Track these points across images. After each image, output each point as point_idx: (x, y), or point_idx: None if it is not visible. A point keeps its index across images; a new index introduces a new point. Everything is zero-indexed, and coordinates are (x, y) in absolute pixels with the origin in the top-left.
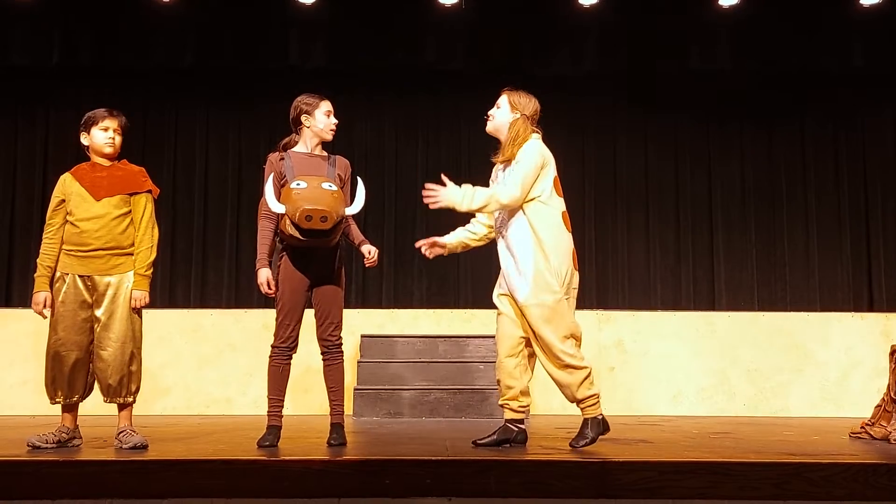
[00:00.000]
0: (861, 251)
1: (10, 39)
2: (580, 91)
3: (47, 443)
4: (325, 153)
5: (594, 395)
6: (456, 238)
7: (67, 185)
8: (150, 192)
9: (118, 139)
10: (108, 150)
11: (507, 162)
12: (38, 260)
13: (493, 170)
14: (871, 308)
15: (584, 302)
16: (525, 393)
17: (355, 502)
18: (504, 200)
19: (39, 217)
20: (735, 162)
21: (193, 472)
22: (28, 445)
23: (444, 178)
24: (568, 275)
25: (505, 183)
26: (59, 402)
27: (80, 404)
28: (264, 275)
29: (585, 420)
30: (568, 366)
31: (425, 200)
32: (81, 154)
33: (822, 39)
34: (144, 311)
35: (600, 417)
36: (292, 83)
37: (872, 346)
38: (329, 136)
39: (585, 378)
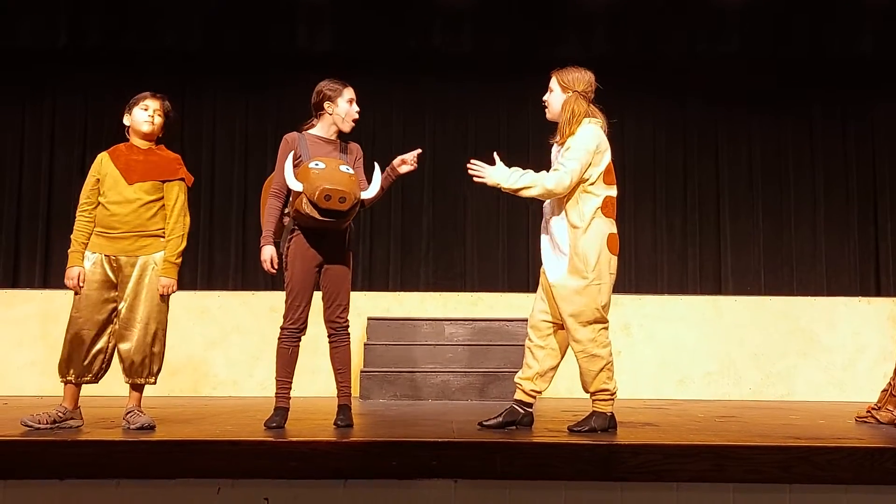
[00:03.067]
0: (868, 236)
1: (18, 22)
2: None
3: (41, 423)
4: (338, 139)
5: (608, 390)
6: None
7: (104, 166)
8: (183, 179)
9: (158, 120)
10: (147, 128)
11: (564, 142)
12: (72, 236)
13: (552, 150)
14: (878, 293)
15: None
16: (542, 377)
17: (361, 484)
18: (550, 186)
19: (46, 199)
20: (742, 146)
21: (200, 454)
22: (22, 425)
23: (495, 156)
24: (601, 261)
25: (556, 167)
26: (69, 381)
27: (88, 386)
28: (268, 251)
29: (594, 411)
30: (586, 351)
31: (470, 173)
32: (89, 136)
33: (831, 25)
34: None
35: (609, 413)
36: (299, 67)
37: (879, 331)
38: (348, 128)
39: (603, 368)
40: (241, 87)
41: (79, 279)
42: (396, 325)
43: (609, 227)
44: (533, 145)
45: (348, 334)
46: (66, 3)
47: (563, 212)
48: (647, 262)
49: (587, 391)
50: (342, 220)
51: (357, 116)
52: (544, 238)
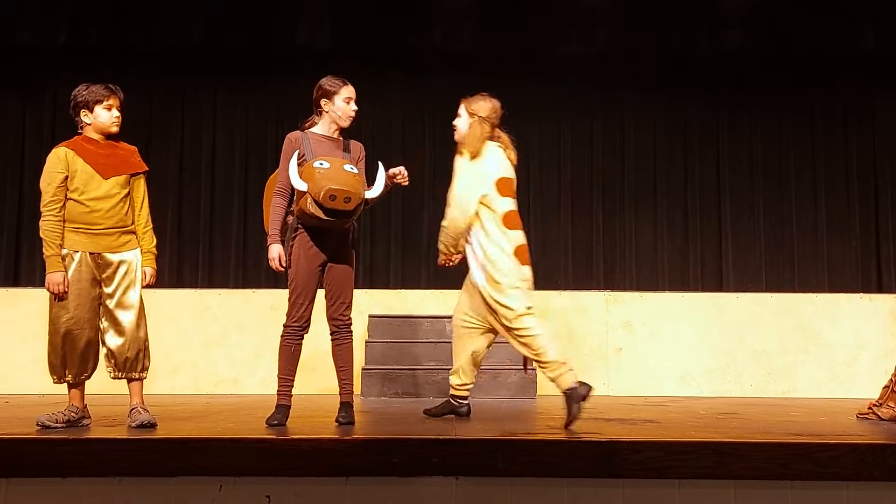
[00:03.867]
0: (870, 232)
1: (18, 18)
2: (588, 73)
3: (57, 422)
4: (340, 137)
5: (556, 361)
6: None
7: (71, 161)
8: (147, 171)
9: (120, 117)
10: (115, 129)
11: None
12: (47, 238)
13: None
14: (879, 289)
15: (592, 283)
16: (462, 373)
17: (363, 481)
18: (450, 229)
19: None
20: (743, 143)
21: (202, 451)
22: (38, 425)
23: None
24: (511, 270)
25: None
26: (67, 382)
27: (87, 382)
28: (276, 250)
29: (563, 392)
30: (520, 340)
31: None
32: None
33: (832, 20)
34: (153, 291)
35: (575, 385)
36: (300, 64)
37: (880, 328)
38: (345, 124)
39: (540, 345)
40: (242, 85)
41: (65, 283)
42: (397, 322)
43: (513, 238)
44: (533, 142)
45: (351, 332)
46: (66, 1)
47: (476, 225)
48: (649, 260)
49: (543, 371)
50: (346, 220)
51: (353, 115)
52: (467, 246)
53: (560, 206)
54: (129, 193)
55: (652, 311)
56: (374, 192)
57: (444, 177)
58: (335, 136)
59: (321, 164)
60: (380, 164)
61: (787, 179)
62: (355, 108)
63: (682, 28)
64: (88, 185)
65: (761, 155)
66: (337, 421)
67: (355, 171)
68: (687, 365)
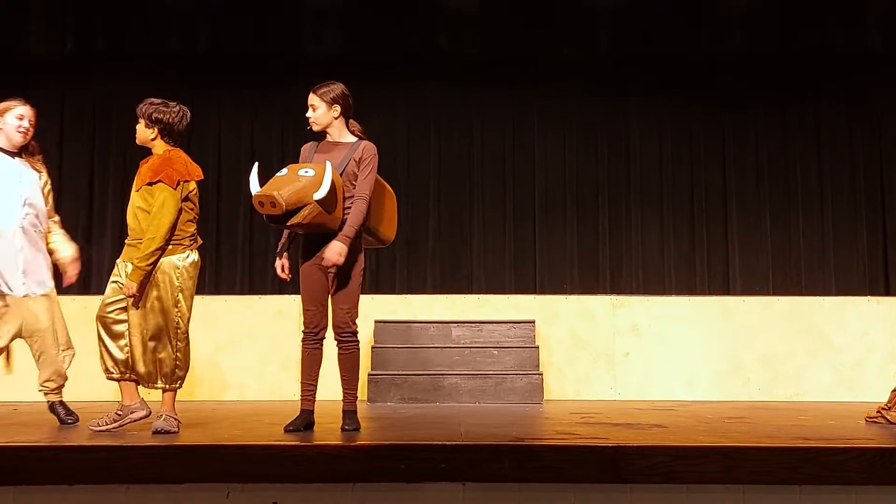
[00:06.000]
0: (877, 235)
1: (25, 27)
2: (593, 78)
3: (100, 426)
4: (355, 139)
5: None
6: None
7: None
8: (160, 181)
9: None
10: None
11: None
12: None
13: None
14: (887, 292)
15: (598, 287)
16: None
17: (370, 487)
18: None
19: (56, 203)
20: (749, 146)
21: (209, 458)
22: (90, 429)
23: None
24: None
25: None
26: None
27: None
28: (276, 263)
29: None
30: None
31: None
32: (99, 143)
33: (836, 21)
34: None
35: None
36: (306, 70)
37: (889, 331)
38: (314, 128)
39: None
40: (248, 90)
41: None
42: (403, 327)
43: None
44: (538, 147)
45: (355, 340)
46: (72, 6)
47: None
48: (655, 265)
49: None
50: (287, 224)
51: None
52: None
53: (566, 211)
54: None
55: (658, 314)
56: (320, 193)
57: (449, 182)
58: (343, 140)
59: (280, 172)
60: (327, 163)
61: (793, 182)
62: (309, 114)
63: (686, 33)
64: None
65: (767, 158)
66: (342, 429)
67: (309, 174)
68: (694, 369)
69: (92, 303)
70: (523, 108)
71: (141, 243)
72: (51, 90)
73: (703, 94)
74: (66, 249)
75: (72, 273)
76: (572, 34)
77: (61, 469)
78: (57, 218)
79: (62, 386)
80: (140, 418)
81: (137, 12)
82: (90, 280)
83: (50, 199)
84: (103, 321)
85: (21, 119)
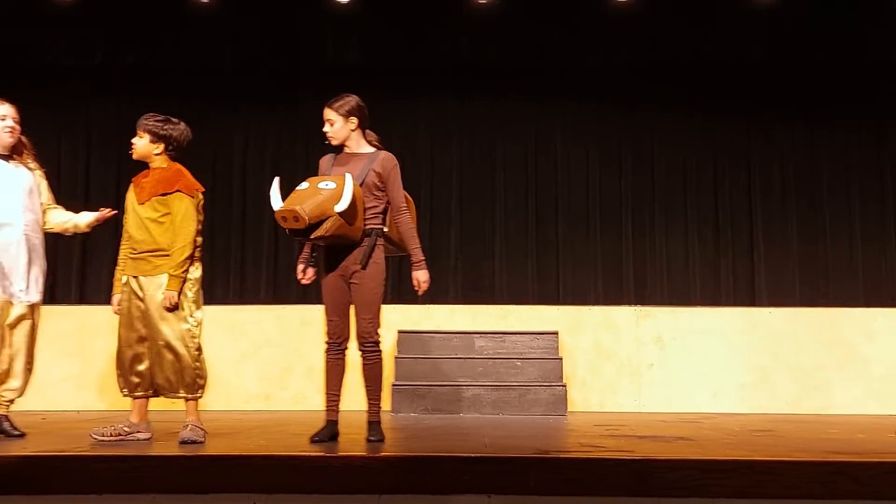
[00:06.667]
0: None
1: (55, 40)
2: (616, 87)
3: (103, 436)
4: (372, 149)
5: None
6: None
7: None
8: (178, 191)
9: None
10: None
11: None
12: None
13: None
14: None
15: (622, 297)
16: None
17: (395, 499)
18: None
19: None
20: (775, 156)
21: (235, 469)
22: (91, 436)
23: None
24: None
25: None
26: (126, 395)
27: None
28: (298, 268)
29: None
30: None
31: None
32: (122, 154)
33: (863, 30)
34: None
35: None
36: (328, 81)
37: None
38: (332, 142)
39: None
40: (272, 101)
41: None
42: (426, 338)
43: None
44: (560, 154)
45: (377, 351)
46: (102, 20)
47: None
48: (680, 275)
49: None
50: (310, 238)
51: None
52: None
53: (589, 221)
54: (167, 215)
55: (683, 325)
56: (341, 205)
57: (471, 191)
58: (361, 150)
59: (301, 185)
60: (347, 175)
61: (819, 191)
62: (326, 128)
63: (710, 43)
64: (129, 212)
65: (793, 167)
66: (367, 440)
67: (330, 186)
68: (719, 381)
69: (90, 314)
70: (546, 118)
71: (154, 255)
72: (79, 102)
73: (728, 102)
74: (84, 216)
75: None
76: (595, 44)
77: (90, 478)
78: (55, 205)
79: (13, 401)
80: (144, 440)
81: (165, 26)
82: (88, 291)
83: (47, 191)
84: (127, 340)
85: (4, 119)
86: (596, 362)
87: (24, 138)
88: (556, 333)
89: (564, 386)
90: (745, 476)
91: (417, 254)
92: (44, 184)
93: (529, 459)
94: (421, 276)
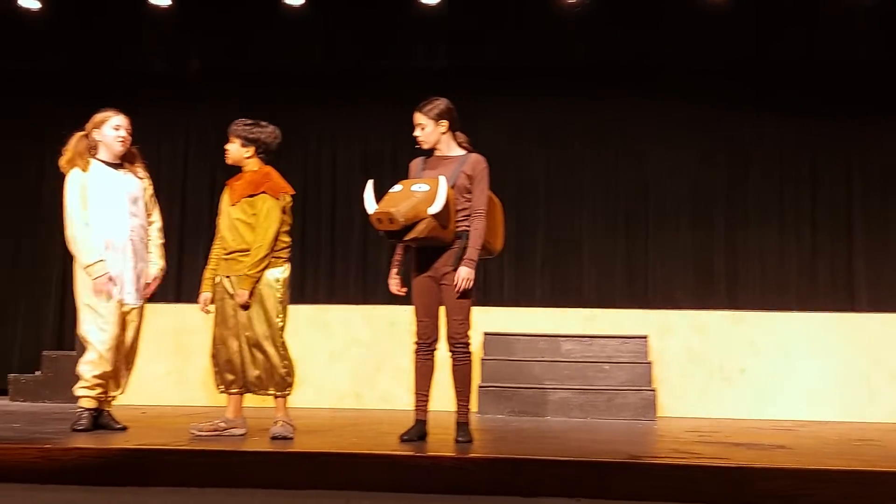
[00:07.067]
0: None
1: (153, 47)
2: (709, 82)
3: (201, 431)
4: (463, 151)
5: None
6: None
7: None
8: (264, 192)
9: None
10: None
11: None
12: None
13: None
14: None
15: (714, 300)
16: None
17: (484, 500)
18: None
19: (179, 216)
20: (874, 150)
21: (330, 466)
22: (190, 431)
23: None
24: None
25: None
26: (221, 392)
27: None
28: (391, 280)
29: None
30: None
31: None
32: (218, 157)
33: None
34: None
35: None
36: (415, 81)
37: None
38: (423, 146)
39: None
40: (362, 103)
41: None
42: (512, 340)
43: None
44: (650, 152)
45: (467, 353)
46: (195, 26)
47: None
48: (774, 276)
49: None
50: (404, 240)
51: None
52: None
53: (679, 220)
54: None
55: (777, 330)
56: (435, 207)
57: (559, 189)
58: (452, 153)
59: (394, 188)
60: (441, 178)
61: None
62: (417, 133)
63: (809, 36)
64: (223, 213)
65: (895, 162)
66: (456, 441)
67: (424, 189)
68: (815, 387)
69: (188, 312)
70: (638, 115)
71: (242, 255)
72: (177, 106)
73: (825, 96)
74: (155, 264)
75: (147, 290)
76: (687, 42)
77: (190, 472)
78: (159, 223)
79: (115, 397)
80: (239, 436)
81: (256, 30)
82: (185, 290)
83: (152, 203)
84: (222, 337)
85: (118, 129)
86: (686, 367)
87: (134, 148)
88: (645, 337)
89: (654, 390)
90: (848, 486)
91: (472, 253)
92: (149, 193)
93: (620, 464)
94: (463, 273)
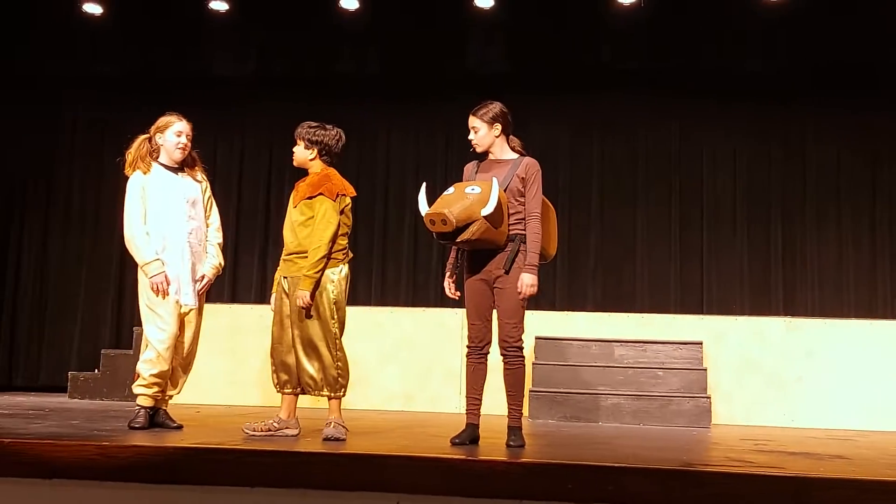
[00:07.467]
0: None
1: (211, 52)
2: (766, 89)
3: (254, 431)
4: (516, 155)
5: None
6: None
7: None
8: (321, 194)
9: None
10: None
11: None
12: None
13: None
14: None
15: (770, 307)
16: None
17: None
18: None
19: (234, 221)
20: None
21: (380, 468)
22: (243, 431)
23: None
24: None
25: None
26: (278, 391)
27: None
28: (445, 282)
29: None
30: None
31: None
32: (275, 159)
33: None
34: None
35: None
36: (469, 83)
37: None
38: (477, 149)
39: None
40: (415, 107)
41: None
42: (564, 344)
43: None
44: (706, 156)
45: (520, 357)
46: (254, 32)
47: None
48: (832, 282)
49: None
50: (456, 241)
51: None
52: None
53: (736, 224)
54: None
55: (836, 337)
56: (487, 209)
57: (612, 193)
58: (505, 157)
59: (448, 190)
60: (494, 179)
61: None
62: (471, 136)
63: (865, 37)
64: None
65: None
66: (508, 445)
67: (476, 191)
68: (875, 397)
69: (241, 312)
70: (692, 119)
71: (299, 257)
72: (234, 109)
73: (888, 98)
74: (211, 260)
75: (202, 286)
76: (745, 43)
77: (243, 471)
78: (217, 224)
79: (171, 396)
80: (292, 436)
81: (310, 37)
82: (266, 291)
83: (210, 206)
84: (279, 337)
85: (179, 135)
86: (742, 374)
87: (194, 153)
88: (700, 344)
89: (709, 398)
90: None
91: (533, 258)
92: (207, 196)
93: (674, 472)
94: (526, 279)
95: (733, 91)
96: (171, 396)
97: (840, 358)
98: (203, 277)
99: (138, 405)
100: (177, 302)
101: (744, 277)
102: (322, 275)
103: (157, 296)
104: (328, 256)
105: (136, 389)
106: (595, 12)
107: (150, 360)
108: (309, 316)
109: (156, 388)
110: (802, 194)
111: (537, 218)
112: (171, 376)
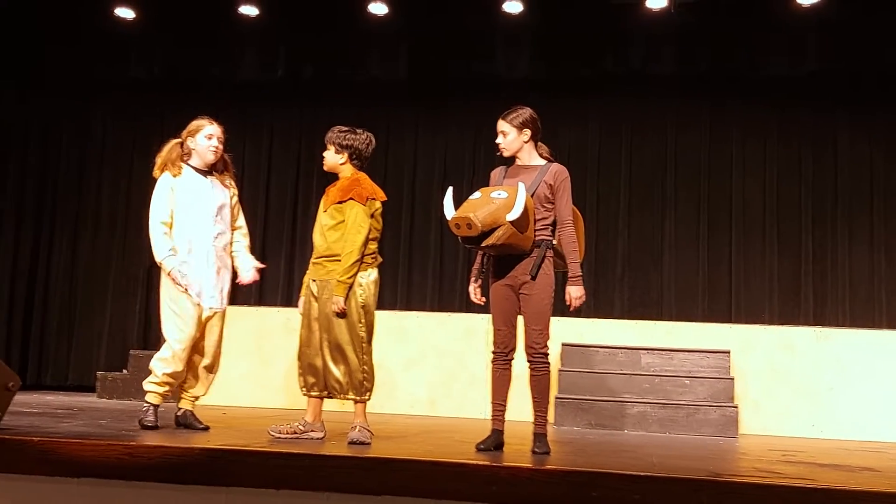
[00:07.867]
0: None
1: (240, 56)
2: (796, 93)
3: (281, 433)
4: (544, 161)
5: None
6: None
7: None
8: (351, 199)
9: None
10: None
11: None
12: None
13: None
14: None
15: (799, 316)
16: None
17: None
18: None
19: (262, 225)
20: None
21: (405, 472)
22: (269, 433)
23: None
24: None
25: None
26: (304, 394)
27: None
28: (471, 287)
29: None
30: None
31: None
32: (302, 163)
33: None
34: None
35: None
36: (498, 88)
37: None
38: (504, 154)
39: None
40: (442, 111)
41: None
42: (590, 352)
43: None
44: (736, 162)
45: (545, 363)
46: (283, 37)
47: None
48: (864, 290)
49: None
50: (482, 246)
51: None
52: None
53: (765, 231)
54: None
55: (867, 348)
56: (513, 214)
57: (640, 200)
58: (533, 162)
59: (475, 195)
60: (520, 184)
61: None
62: (499, 140)
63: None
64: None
65: None
66: (533, 452)
67: (503, 195)
68: None
69: (267, 315)
70: (721, 123)
71: (328, 260)
72: (263, 112)
73: None
74: (248, 260)
75: (250, 278)
76: (774, 47)
77: (268, 473)
78: (244, 229)
79: (198, 398)
80: (318, 439)
81: (339, 41)
82: (293, 294)
83: (237, 212)
84: (307, 339)
85: (210, 138)
86: (770, 384)
87: (226, 157)
88: (727, 353)
89: (736, 407)
90: None
91: (575, 269)
92: (234, 201)
93: (701, 481)
94: (574, 293)
95: (763, 96)
96: (197, 398)
97: (871, 368)
98: (252, 273)
99: (147, 402)
100: (198, 305)
101: (773, 285)
102: (354, 279)
103: (180, 288)
104: (361, 261)
105: (146, 386)
106: (624, 17)
107: (166, 358)
108: (341, 315)
109: (167, 388)
110: (834, 200)
111: (571, 226)
112: (185, 377)
